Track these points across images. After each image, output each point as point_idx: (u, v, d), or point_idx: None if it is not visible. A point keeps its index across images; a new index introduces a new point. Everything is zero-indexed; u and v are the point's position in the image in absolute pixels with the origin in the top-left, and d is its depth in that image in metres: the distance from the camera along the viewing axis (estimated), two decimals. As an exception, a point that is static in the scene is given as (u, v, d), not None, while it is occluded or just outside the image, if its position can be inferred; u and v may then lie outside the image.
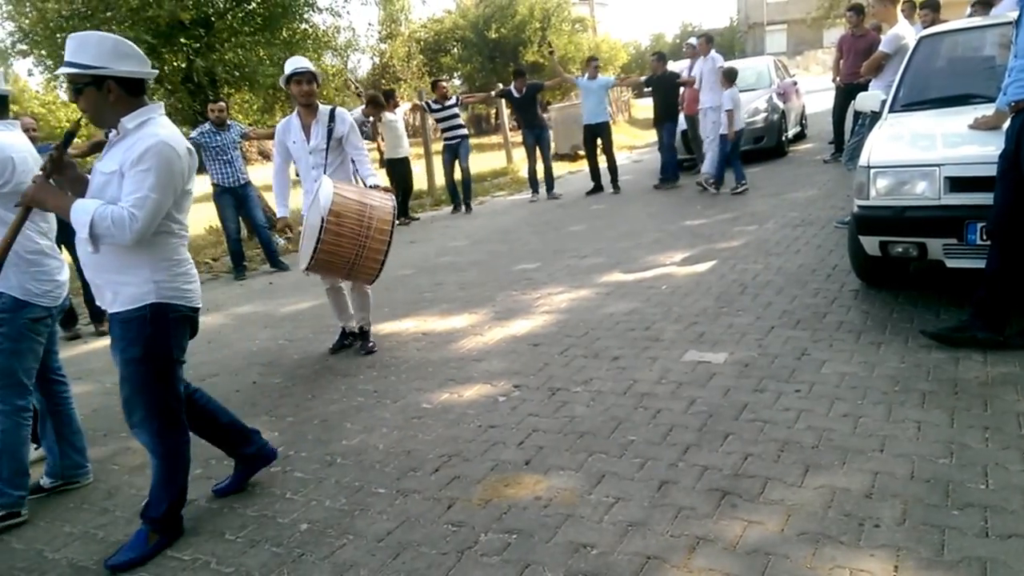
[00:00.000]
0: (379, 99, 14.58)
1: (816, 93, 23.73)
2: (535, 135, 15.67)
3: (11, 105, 5.01)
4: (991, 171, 5.14)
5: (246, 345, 7.74)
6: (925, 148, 6.01)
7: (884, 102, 7.33)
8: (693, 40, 15.23)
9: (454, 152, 15.43)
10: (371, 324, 7.25)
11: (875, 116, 7.54)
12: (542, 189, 16.06)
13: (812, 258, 8.08)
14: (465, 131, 15.76)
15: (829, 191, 11.81)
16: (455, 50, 42.36)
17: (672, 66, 16.09)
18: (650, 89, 15.43)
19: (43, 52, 15.85)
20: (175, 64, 15.34)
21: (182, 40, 14.87)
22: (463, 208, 15.80)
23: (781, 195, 12.07)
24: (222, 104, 11.49)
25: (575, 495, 4.07)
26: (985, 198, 5.20)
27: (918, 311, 6.14)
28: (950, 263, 5.72)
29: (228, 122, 11.48)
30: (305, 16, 17.76)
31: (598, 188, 15.64)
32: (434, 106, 15.46)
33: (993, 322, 5.19)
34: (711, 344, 6.06)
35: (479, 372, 6.18)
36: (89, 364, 7.99)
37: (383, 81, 41.24)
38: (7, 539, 4.52)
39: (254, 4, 16.74)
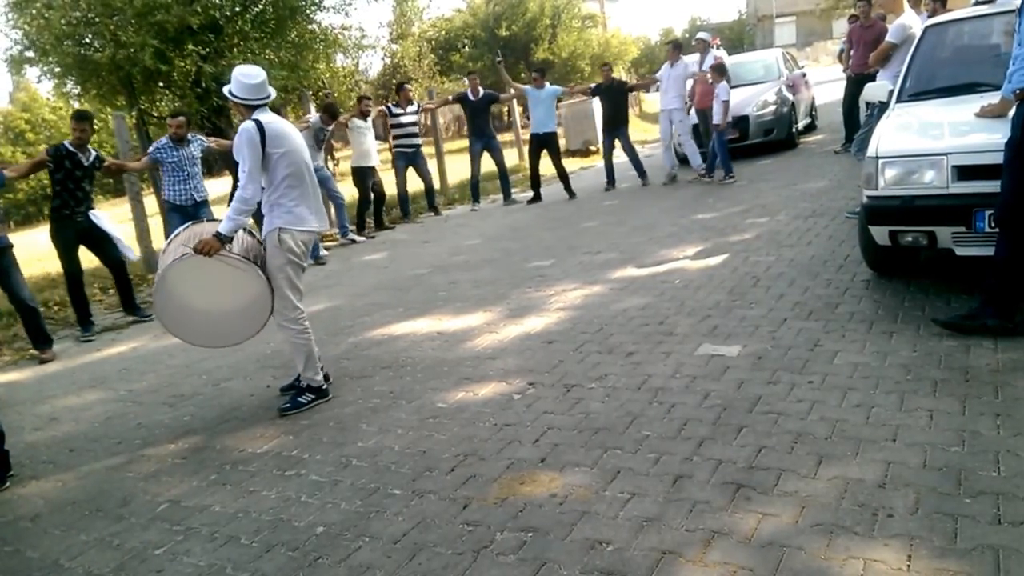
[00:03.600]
0: (334, 107, 13.78)
1: (826, 84, 23.67)
2: (484, 143, 15.58)
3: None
4: (998, 159, 5.15)
5: (260, 348, 7.76)
6: (932, 137, 6.00)
7: (891, 92, 7.33)
8: (703, 34, 15.30)
9: (410, 160, 15.24)
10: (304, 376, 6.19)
11: (883, 106, 7.53)
12: (487, 197, 16.13)
13: (824, 249, 8.08)
14: (420, 140, 15.55)
15: (840, 182, 11.79)
16: (466, 48, 42.35)
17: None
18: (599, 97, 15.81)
19: (51, 59, 15.92)
20: (183, 69, 15.38)
21: (190, 45, 14.91)
22: (432, 213, 15.81)
23: (792, 186, 12.07)
24: (181, 119, 10.68)
25: (590, 492, 4.09)
26: (993, 186, 5.21)
27: (929, 300, 6.14)
28: (959, 251, 5.73)
29: (188, 137, 10.68)
30: (313, 16, 17.78)
31: (537, 197, 15.62)
32: (395, 111, 15.13)
33: (1003, 309, 5.19)
34: (724, 337, 6.07)
35: (494, 370, 6.19)
36: (103, 371, 8.05)
37: (394, 81, 41.32)
38: (22, 548, 4.57)
39: (262, 6, 16.78)
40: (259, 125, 5.68)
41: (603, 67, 16.28)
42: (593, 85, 16.21)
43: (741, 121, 15.58)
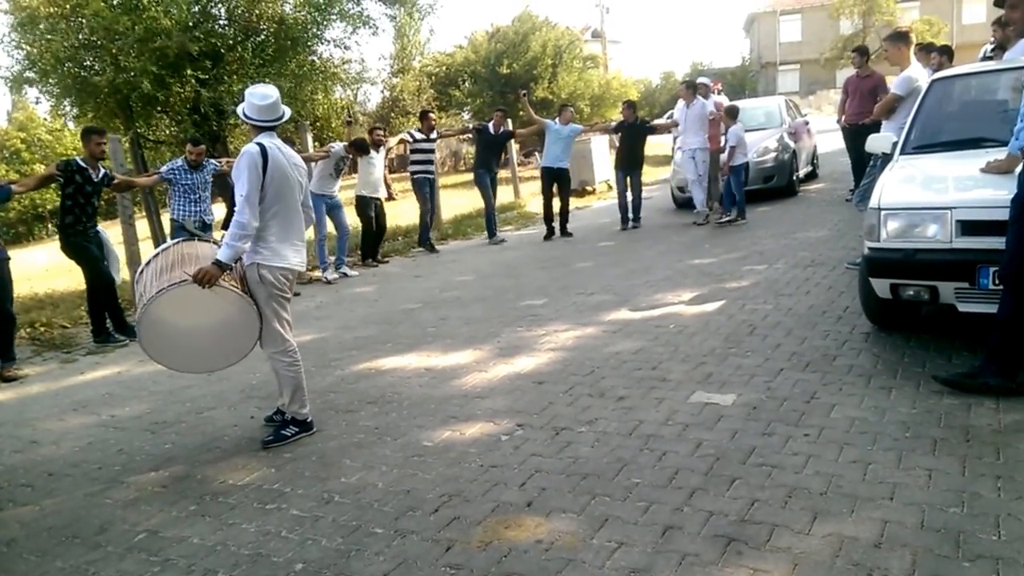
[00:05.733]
0: (364, 144, 13.81)
1: (828, 133, 23.72)
2: (491, 176, 15.72)
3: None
4: (1003, 215, 5.09)
5: (246, 378, 7.66)
6: (937, 191, 5.97)
7: (895, 144, 7.29)
8: (704, 79, 15.35)
9: (431, 185, 15.51)
10: (289, 409, 6.07)
11: (887, 158, 7.49)
12: (480, 233, 16.18)
13: (823, 299, 8.01)
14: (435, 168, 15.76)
15: (841, 231, 11.77)
16: (466, 84, 42.51)
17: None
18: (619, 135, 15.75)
19: (51, 81, 15.95)
20: (182, 94, 15.38)
21: (189, 71, 14.91)
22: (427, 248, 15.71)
23: (791, 235, 12.03)
24: (202, 148, 11.11)
25: (577, 539, 3.98)
26: (997, 242, 5.15)
27: (930, 355, 6.05)
28: (962, 307, 5.67)
29: (203, 162, 11.08)
30: (314, 48, 17.83)
31: (551, 233, 15.48)
32: (418, 136, 15.27)
33: (1006, 368, 5.11)
34: (719, 385, 5.97)
35: (482, 410, 6.09)
36: (86, 395, 7.92)
37: (392, 115, 41.46)
38: (-4, 576, 4.45)
39: (264, 36, 16.83)
40: (263, 150, 5.58)
41: (624, 104, 16.20)
42: (615, 123, 16.22)
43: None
